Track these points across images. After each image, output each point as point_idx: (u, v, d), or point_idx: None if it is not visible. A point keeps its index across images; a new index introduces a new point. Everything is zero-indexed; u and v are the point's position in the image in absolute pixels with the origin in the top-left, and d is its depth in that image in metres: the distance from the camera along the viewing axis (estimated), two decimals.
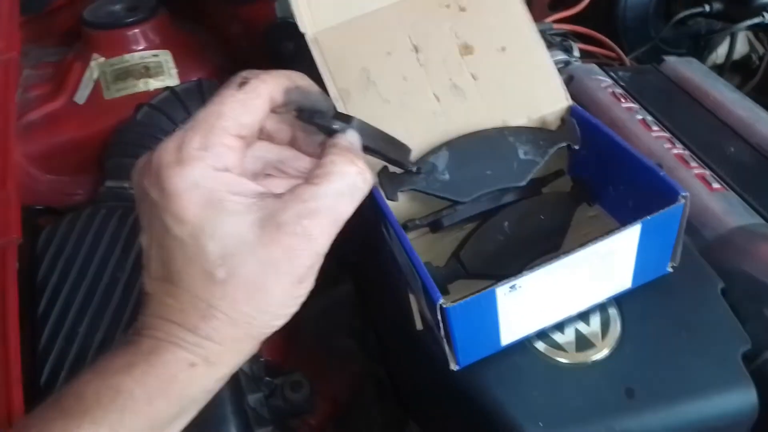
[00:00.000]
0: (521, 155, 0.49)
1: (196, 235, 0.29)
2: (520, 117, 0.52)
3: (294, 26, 0.52)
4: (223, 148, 0.31)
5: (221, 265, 0.29)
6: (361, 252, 0.61)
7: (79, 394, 0.29)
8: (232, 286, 0.29)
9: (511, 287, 0.40)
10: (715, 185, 0.60)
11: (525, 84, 0.52)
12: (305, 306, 0.35)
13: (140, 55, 0.82)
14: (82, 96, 0.81)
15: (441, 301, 0.39)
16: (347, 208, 0.32)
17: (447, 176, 0.48)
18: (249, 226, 0.30)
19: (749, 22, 0.88)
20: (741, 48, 1.05)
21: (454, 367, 0.44)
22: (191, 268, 0.30)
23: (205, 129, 0.31)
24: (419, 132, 0.51)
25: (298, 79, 0.35)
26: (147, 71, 0.81)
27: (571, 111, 0.52)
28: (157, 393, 0.30)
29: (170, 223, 0.30)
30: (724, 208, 0.57)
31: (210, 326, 0.30)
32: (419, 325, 0.48)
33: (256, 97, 0.32)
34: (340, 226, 0.32)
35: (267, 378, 0.58)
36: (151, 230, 0.31)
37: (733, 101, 0.74)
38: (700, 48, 1.02)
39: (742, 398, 0.44)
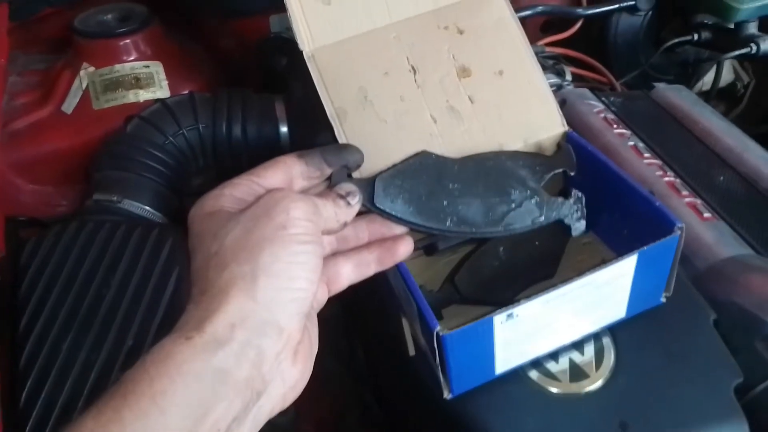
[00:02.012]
0: None
1: (200, 234, 0.35)
2: (517, 141, 0.51)
3: (287, 41, 0.52)
4: (229, 186, 0.38)
5: (214, 240, 0.34)
6: None
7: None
8: (222, 251, 0.34)
9: (508, 315, 0.40)
10: (706, 214, 0.60)
11: (522, 108, 0.52)
12: None
13: (131, 65, 0.81)
14: (70, 105, 0.79)
15: (438, 328, 0.38)
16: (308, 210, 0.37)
17: None
18: (236, 211, 0.36)
19: (737, 53, 0.89)
20: (726, 76, 1.07)
21: (447, 395, 0.43)
22: (199, 256, 0.35)
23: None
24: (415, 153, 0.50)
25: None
26: (137, 82, 0.80)
27: (567, 137, 0.52)
28: (156, 372, 0.30)
29: (190, 239, 0.36)
30: (716, 237, 0.57)
31: (206, 296, 0.32)
32: (412, 351, 0.47)
33: (270, 165, 0.39)
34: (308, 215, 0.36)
35: None
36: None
37: (721, 130, 0.75)
38: (687, 75, 1.04)
39: None
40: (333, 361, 0.75)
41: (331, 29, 0.52)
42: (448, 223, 0.43)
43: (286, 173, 0.39)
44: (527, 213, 0.45)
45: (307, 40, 0.52)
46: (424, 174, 0.45)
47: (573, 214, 0.45)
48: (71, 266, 0.55)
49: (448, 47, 0.53)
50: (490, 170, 0.46)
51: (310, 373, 0.37)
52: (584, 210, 0.46)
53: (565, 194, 0.46)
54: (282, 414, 0.62)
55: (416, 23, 0.53)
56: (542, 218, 0.45)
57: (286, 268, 0.33)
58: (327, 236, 0.40)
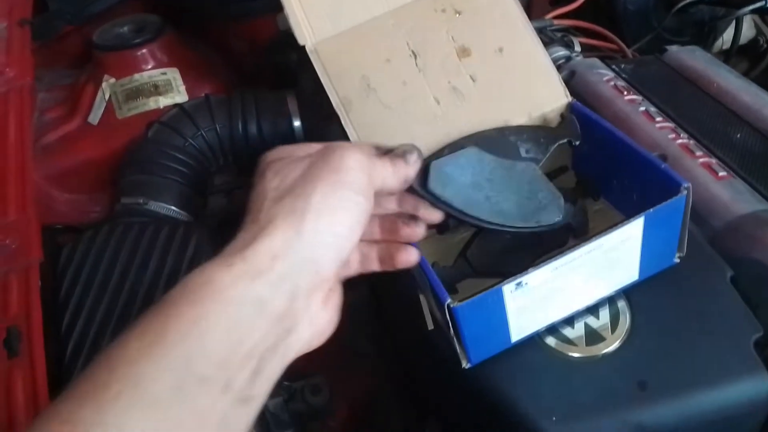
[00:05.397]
0: (523, 153, 0.50)
1: (265, 171, 0.38)
2: (521, 116, 0.52)
3: (295, 38, 0.54)
4: (305, 144, 0.40)
5: (276, 176, 0.37)
6: None
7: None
8: (282, 186, 0.36)
9: (517, 284, 0.41)
10: (722, 173, 0.60)
11: (524, 83, 0.53)
12: None
13: (149, 74, 0.84)
14: (95, 117, 0.83)
15: (448, 301, 0.40)
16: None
17: None
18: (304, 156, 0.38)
19: (751, 7, 0.87)
20: (747, 32, 1.05)
21: (465, 365, 0.44)
22: (259, 188, 0.37)
23: None
24: (421, 135, 0.51)
25: None
26: (156, 89, 0.83)
27: (570, 107, 0.52)
28: (197, 296, 0.31)
29: (255, 177, 0.38)
30: (731, 195, 0.57)
31: (255, 225, 0.34)
32: (431, 325, 0.48)
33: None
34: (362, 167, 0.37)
35: (286, 382, 0.59)
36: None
37: (738, 87, 0.74)
38: (704, 35, 1.01)
39: (756, 386, 0.44)
40: (365, 342, 0.77)
41: (331, 22, 0.53)
42: (487, 215, 0.46)
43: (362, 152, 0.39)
44: (551, 212, 0.47)
45: (308, 35, 0.53)
46: (469, 167, 0.47)
47: (578, 218, 0.50)
48: (105, 267, 0.58)
49: (447, 29, 0.54)
50: (522, 172, 0.48)
51: (336, 325, 0.38)
52: (586, 217, 0.52)
53: (574, 201, 0.51)
54: (317, 394, 0.65)
55: (414, 8, 0.54)
56: (560, 218, 0.48)
57: (331, 211, 0.35)
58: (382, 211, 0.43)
